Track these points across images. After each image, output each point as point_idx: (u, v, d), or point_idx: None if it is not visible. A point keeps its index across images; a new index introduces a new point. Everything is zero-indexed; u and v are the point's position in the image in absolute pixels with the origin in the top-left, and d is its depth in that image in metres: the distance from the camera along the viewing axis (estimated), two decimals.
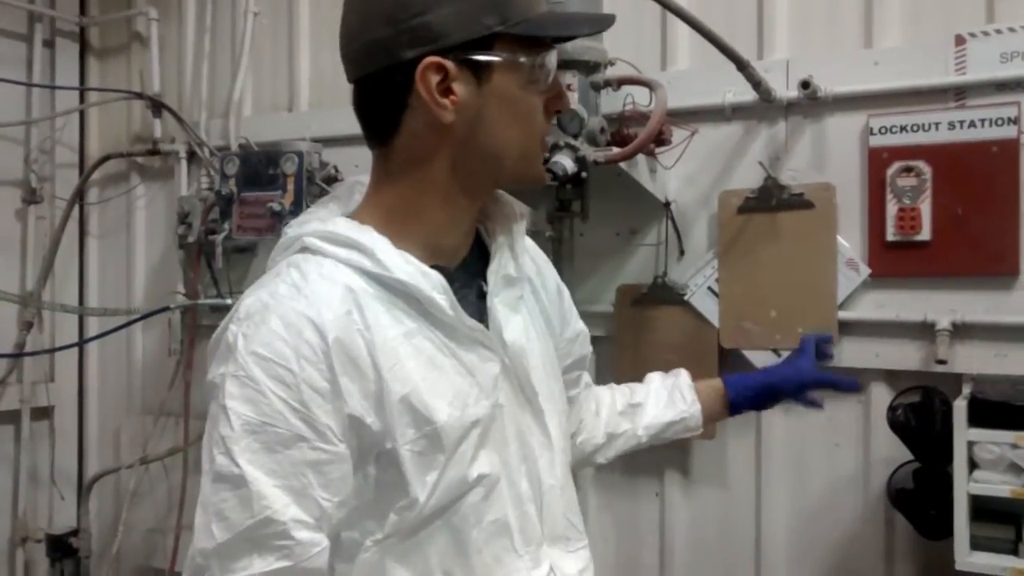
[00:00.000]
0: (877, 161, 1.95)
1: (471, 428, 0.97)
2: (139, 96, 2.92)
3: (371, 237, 0.96)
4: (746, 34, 2.11)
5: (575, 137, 1.85)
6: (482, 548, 0.98)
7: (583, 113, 1.86)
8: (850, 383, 1.48)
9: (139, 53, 3.06)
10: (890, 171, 1.93)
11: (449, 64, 0.94)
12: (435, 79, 0.94)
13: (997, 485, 1.73)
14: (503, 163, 1.00)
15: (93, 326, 3.03)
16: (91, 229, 3.16)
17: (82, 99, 3.13)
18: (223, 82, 2.86)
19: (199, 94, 2.87)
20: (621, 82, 1.96)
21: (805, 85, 1.94)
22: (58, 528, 2.99)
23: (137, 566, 3.00)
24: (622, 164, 1.87)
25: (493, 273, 1.05)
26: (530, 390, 1.06)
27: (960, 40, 1.88)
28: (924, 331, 1.91)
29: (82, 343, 3.07)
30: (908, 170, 1.92)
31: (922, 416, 1.83)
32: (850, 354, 1.99)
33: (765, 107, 2.05)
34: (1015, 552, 1.75)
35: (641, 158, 1.98)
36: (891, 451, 1.94)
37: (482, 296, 1.05)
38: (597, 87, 1.96)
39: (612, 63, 1.98)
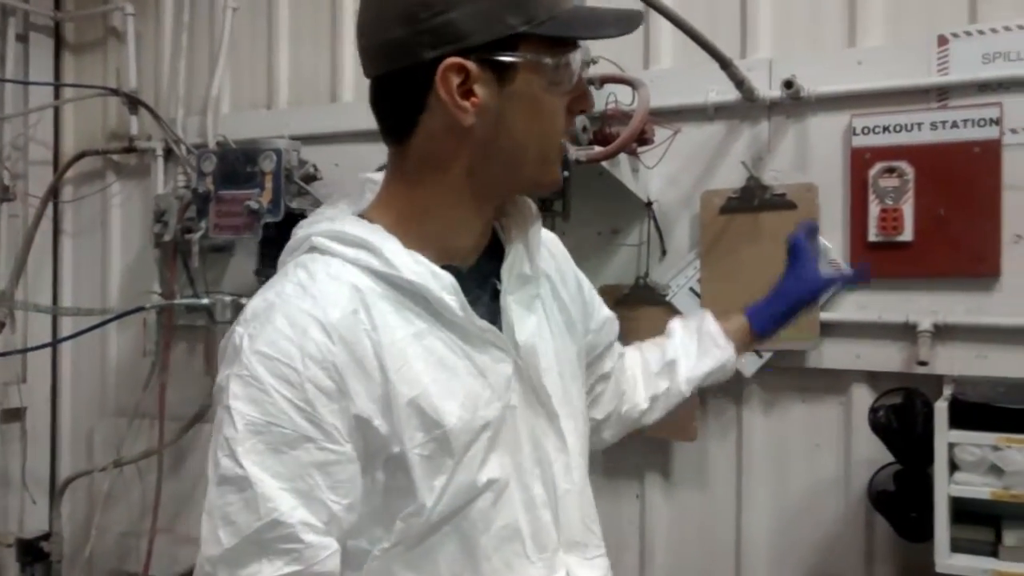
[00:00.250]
0: (860, 161, 1.94)
1: (481, 431, 0.95)
2: (115, 92, 2.87)
3: (380, 236, 0.94)
4: (729, 33, 2.10)
5: None
6: (492, 555, 0.96)
7: None
8: (859, 274, 1.47)
9: (115, 49, 3.01)
10: (872, 171, 1.92)
11: (471, 65, 0.91)
12: (456, 80, 0.91)
13: (978, 487, 1.73)
14: (521, 167, 0.97)
15: (67, 326, 2.98)
16: (65, 227, 3.11)
17: (56, 95, 3.08)
18: (201, 79, 2.82)
19: (176, 91, 2.83)
20: (604, 80, 1.94)
21: (788, 85, 1.93)
22: (29, 532, 2.94)
23: (110, 570, 2.94)
24: (604, 163, 1.85)
25: (507, 271, 1.02)
26: (543, 392, 1.03)
27: (943, 40, 1.88)
28: (906, 332, 1.90)
29: (55, 343, 3.02)
30: (890, 171, 1.91)
31: (903, 418, 1.83)
32: (831, 355, 1.98)
33: (748, 107, 2.04)
34: (995, 554, 1.74)
35: (623, 157, 1.96)
36: (872, 453, 1.93)
37: (496, 296, 1.02)
38: None
39: (595, 61, 1.96)
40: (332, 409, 0.87)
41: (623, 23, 0.98)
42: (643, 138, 1.96)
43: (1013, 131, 1.83)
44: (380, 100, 0.98)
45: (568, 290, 1.15)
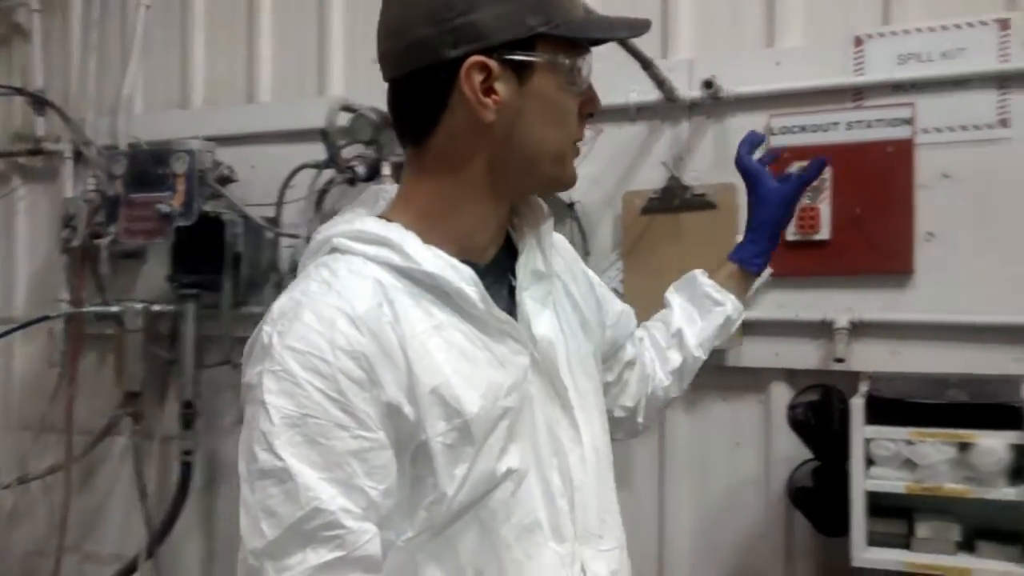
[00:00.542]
0: (778, 161, 1.95)
1: (500, 420, 0.97)
2: (20, 92, 2.77)
3: (400, 233, 0.97)
4: (650, 33, 2.06)
5: None
6: (512, 544, 0.97)
7: None
8: (818, 163, 1.47)
9: (20, 47, 2.91)
10: (791, 171, 1.94)
11: (493, 64, 0.95)
12: (479, 78, 0.95)
13: (893, 481, 1.75)
14: (539, 164, 1.01)
15: None
16: None
17: None
18: (112, 78, 2.74)
19: (86, 90, 2.75)
20: None
21: (708, 85, 1.95)
22: None
23: None
24: None
25: (522, 268, 1.05)
26: (560, 385, 1.05)
27: (858, 41, 1.92)
28: (823, 330, 1.93)
29: None
30: None
31: (820, 414, 1.85)
32: (750, 354, 2.00)
33: (669, 107, 2.05)
34: (908, 546, 1.77)
35: None
36: (791, 450, 1.94)
37: (512, 293, 1.05)
38: None
39: None
40: (364, 398, 0.90)
41: (632, 28, 1.06)
42: None
43: (925, 131, 1.87)
44: (402, 100, 1.01)
45: (580, 288, 1.18)
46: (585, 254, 2.14)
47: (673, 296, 1.43)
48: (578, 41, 1.00)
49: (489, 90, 0.95)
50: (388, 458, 0.91)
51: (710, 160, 2.05)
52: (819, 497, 1.88)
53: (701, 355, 1.38)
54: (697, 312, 1.39)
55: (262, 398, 0.89)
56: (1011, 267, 1.82)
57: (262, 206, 2.37)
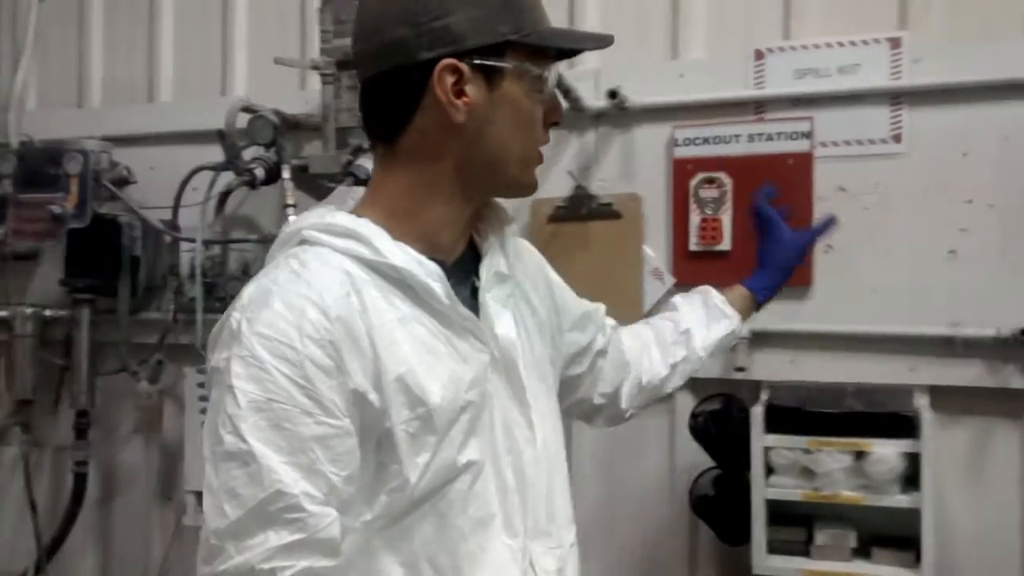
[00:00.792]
0: (682, 172, 1.98)
1: (462, 412, 1.00)
2: None
3: (369, 228, 1.00)
4: None
5: None
6: (467, 536, 1.01)
7: None
8: (828, 221, 1.61)
9: None
10: (693, 182, 1.96)
11: (464, 67, 0.99)
12: (450, 80, 0.99)
13: (790, 489, 1.78)
14: (505, 166, 1.05)
15: None
16: None
17: None
18: (2, 73, 2.63)
19: None
20: None
21: (612, 95, 1.94)
22: None
23: None
24: None
25: (486, 269, 1.09)
26: (518, 384, 1.09)
27: (759, 55, 1.94)
28: None
29: None
30: (710, 181, 1.96)
31: (721, 423, 1.87)
32: None
33: (575, 116, 2.04)
34: (807, 554, 1.80)
35: None
36: (696, 458, 1.96)
37: (474, 293, 1.09)
38: None
39: None
40: (330, 385, 0.92)
41: (596, 40, 1.13)
42: None
43: (823, 144, 1.90)
44: (374, 99, 1.04)
45: (538, 294, 1.22)
46: None
47: (683, 302, 1.52)
48: (545, 51, 1.05)
49: (460, 92, 1.00)
50: (351, 445, 0.94)
51: (617, 170, 2.05)
52: (720, 506, 1.89)
53: (704, 356, 1.46)
54: (706, 318, 1.47)
55: (229, 382, 0.92)
56: (905, 279, 1.87)
57: (161, 208, 2.30)
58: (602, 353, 1.36)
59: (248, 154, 2.04)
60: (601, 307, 1.39)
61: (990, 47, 1.82)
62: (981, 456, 1.87)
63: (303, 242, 1.02)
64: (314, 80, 2.13)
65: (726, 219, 1.94)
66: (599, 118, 2.05)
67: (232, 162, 2.01)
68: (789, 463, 1.79)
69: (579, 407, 1.39)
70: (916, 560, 1.72)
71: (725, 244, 1.94)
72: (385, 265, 0.99)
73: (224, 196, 2.20)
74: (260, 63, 2.38)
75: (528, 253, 1.25)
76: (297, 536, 0.89)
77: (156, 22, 2.48)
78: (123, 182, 2.35)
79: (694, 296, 1.52)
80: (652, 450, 2.06)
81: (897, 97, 1.86)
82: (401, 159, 1.04)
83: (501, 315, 1.09)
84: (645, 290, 1.99)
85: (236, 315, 0.96)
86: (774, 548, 1.80)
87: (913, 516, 1.71)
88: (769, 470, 1.80)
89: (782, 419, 1.80)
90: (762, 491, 1.78)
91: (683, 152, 1.97)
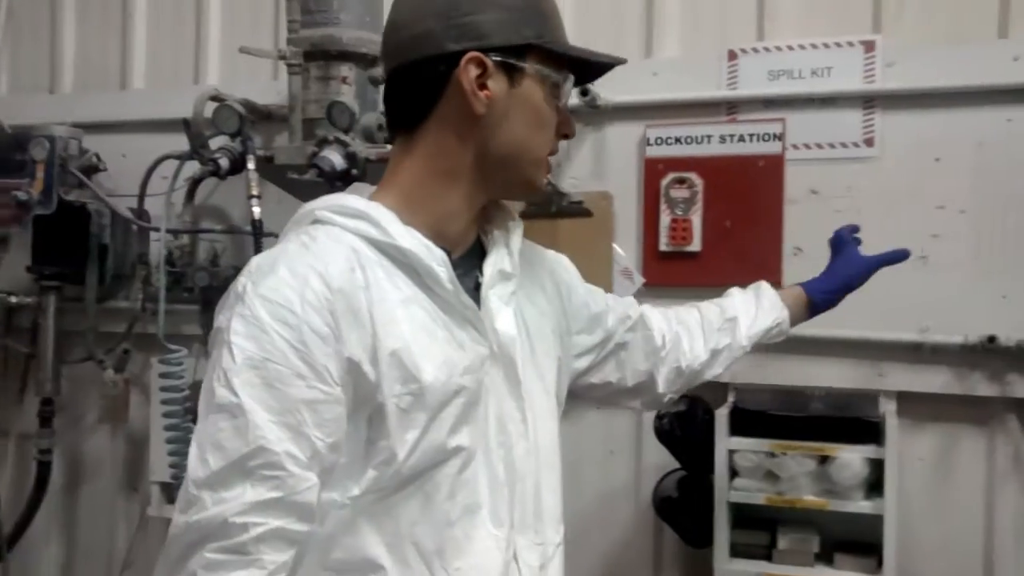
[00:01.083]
0: (653, 172, 1.96)
1: (455, 396, 1.02)
2: None
3: (379, 211, 1.03)
4: None
5: (345, 132, 1.76)
6: (454, 522, 1.03)
7: (354, 107, 1.77)
8: (900, 253, 1.58)
9: None
10: (664, 182, 1.95)
11: (488, 62, 1.03)
12: (475, 72, 1.02)
13: (754, 492, 1.77)
14: (518, 163, 1.08)
15: None
16: None
17: None
18: None
19: None
20: None
21: (584, 92, 1.92)
22: None
23: None
24: None
25: (490, 266, 1.11)
26: (515, 380, 1.11)
27: (732, 55, 1.93)
28: None
29: None
30: (681, 181, 1.94)
31: (686, 425, 1.85)
32: None
33: None
34: (769, 558, 1.79)
35: None
36: (662, 460, 1.95)
37: (477, 289, 1.10)
38: (375, 82, 1.88)
39: None
40: (326, 352, 0.94)
41: (611, 59, 1.16)
42: None
43: (795, 146, 1.89)
44: (400, 87, 1.07)
45: (546, 295, 1.24)
46: None
47: (736, 291, 1.52)
48: (563, 61, 1.08)
49: (482, 85, 1.03)
50: (340, 413, 0.96)
51: (588, 168, 2.04)
52: (684, 508, 1.89)
53: (747, 345, 1.46)
54: (755, 309, 1.48)
55: (228, 339, 0.94)
56: (875, 284, 1.84)
57: (131, 196, 2.27)
58: (622, 346, 1.37)
59: (215, 144, 2.01)
60: (630, 300, 1.41)
61: (964, 51, 1.81)
62: (947, 463, 1.87)
63: (315, 221, 1.05)
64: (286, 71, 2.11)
65: (696, 220, 1.93)
66: (571, 115, 2.02)
67: (197, 151, 1.98)
68: (753, 466, 1.78)
69: (603, 389, 1.38)
70: (878, 566, 1.72)
71: (695, 245, 1.93)
72: (392, 247, 1.01)
73: (194, 186, 2.17)
74: (234, 52, 2.34)
75: (539, 258, 1.27)
76: (274, 494, 0.90)
77: (130, 8, 2.45)
78: (93, 169, 2.32)
79: (748, 289, 1.53)
80: (619, 449, 2.05)
81: (870, 100, 1.85)
82: (419, 148, 1.07)
83: (502, 311, 1.11)
84: (615, 290, 1.97)
85: (243, 279, 0.99)
86: (737, 551, 1.79)
87: (876, 522, 1.70)
88: (733, 473, 1.79)
89: (747, 422, 1.79)
90: (725, 494, 1.78)
91: (655, 152, 1.96)
